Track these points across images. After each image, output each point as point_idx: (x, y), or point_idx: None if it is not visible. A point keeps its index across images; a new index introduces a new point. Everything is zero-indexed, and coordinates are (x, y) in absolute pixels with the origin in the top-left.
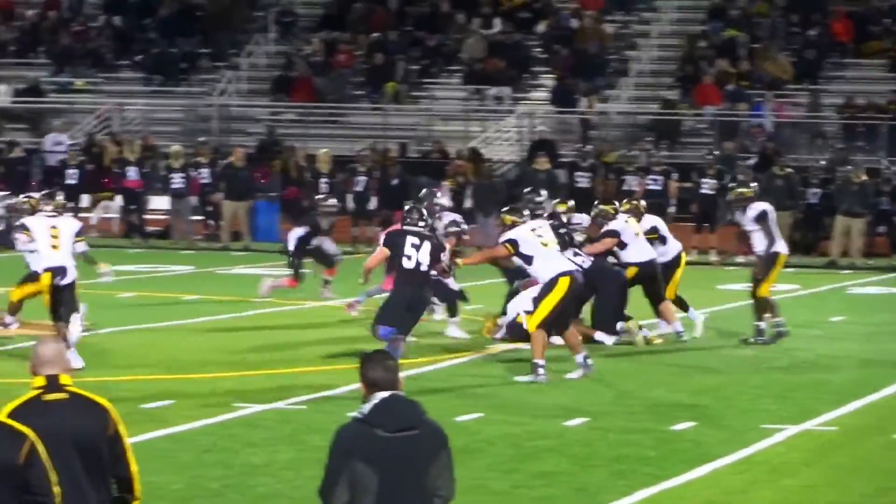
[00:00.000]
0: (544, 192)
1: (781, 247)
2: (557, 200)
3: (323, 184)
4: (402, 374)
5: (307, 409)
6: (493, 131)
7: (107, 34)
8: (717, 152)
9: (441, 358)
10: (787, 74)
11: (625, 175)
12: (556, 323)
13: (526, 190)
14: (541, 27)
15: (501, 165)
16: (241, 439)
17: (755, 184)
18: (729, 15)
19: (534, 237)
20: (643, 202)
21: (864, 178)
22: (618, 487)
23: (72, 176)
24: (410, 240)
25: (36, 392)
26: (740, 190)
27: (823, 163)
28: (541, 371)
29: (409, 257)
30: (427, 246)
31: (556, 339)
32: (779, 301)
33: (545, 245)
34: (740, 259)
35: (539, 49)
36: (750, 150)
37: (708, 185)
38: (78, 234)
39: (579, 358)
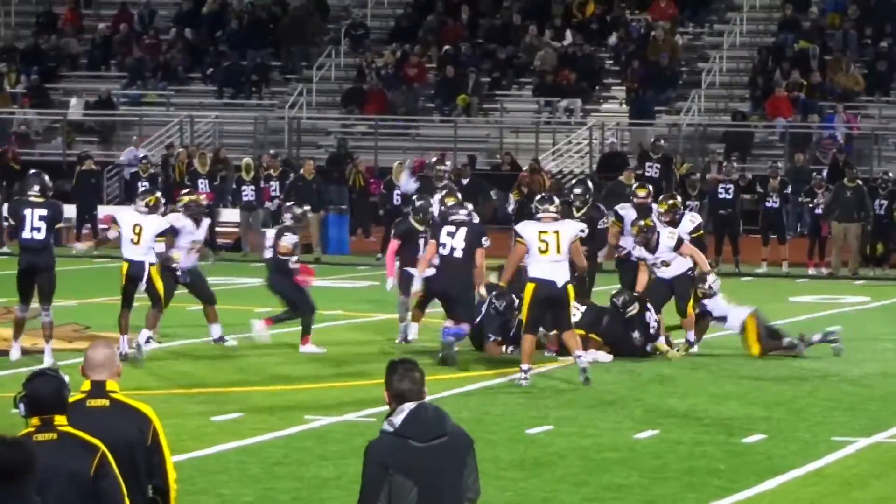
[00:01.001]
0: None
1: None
2: (637, 185)
3: (396, 195)
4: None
5: (377, 421)
6: (564, 143)
7: (178, 47)
8: (779, 163)
9: (509, 371)
10: (859, 86)
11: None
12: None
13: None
14: (612, 39)
15: (572, 177)
16: (312, 452)
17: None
18: (801, 27)
19: (537, 239)
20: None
21: None
22: (688, 500)
23: (143, 188)
24: (446, 228)
25: (80, 396)
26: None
27: (892, 174)
28: (521, 376)
29: (443, 245)
30: (462, 232)
31: (604, 357)
32: (849, 313)
33: (542, 251)
34: (811, 271)
35: (610, 61)
36: (821, 162)
37: (772, 198)
38: (160, 235)
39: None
